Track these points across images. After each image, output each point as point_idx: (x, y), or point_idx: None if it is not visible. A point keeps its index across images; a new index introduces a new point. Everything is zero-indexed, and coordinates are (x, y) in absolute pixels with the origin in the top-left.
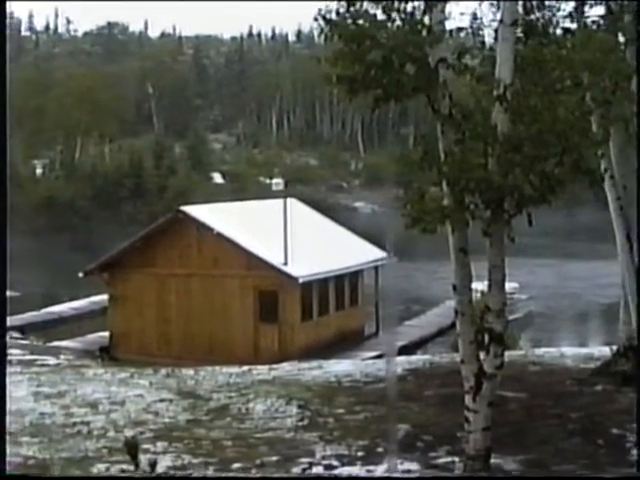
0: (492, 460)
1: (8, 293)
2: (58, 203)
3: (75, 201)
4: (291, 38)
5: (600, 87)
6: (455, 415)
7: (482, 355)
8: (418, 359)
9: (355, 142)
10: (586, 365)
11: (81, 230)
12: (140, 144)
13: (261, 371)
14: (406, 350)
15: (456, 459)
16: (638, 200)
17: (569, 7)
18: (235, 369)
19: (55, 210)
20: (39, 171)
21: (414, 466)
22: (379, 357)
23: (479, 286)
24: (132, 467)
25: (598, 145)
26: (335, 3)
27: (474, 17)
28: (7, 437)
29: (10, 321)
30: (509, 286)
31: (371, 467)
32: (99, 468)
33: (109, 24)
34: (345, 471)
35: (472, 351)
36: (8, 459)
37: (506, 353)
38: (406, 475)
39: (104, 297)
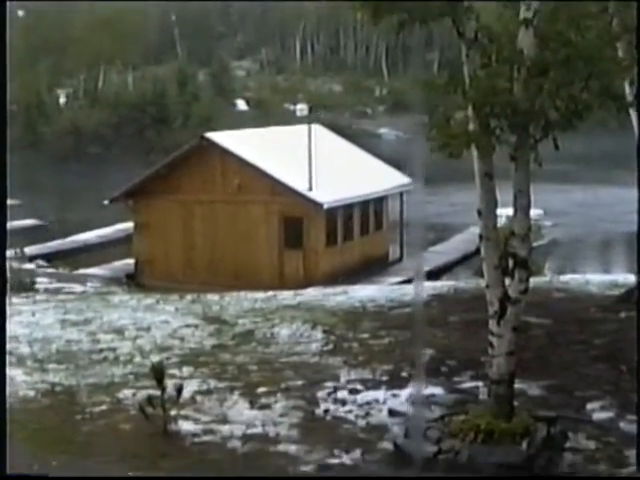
0: (516, 385)
1: (34, 221)
2: (82, 131)
3: (99, 129)
4: None
5: (627, 12)
6: (479, 340)
7: (507, 281)
8: (443, 285)
9: (379, 68)
10: (611, 292)
11: (105, 158)
12: (163, 72)
13: (286, 296)
14: (431, 276)
15: (480, 384)
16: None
17: None
18: (260, 294)
19: (79, 138)
20: (63, 100)
21: (438, 390)
22: (404, 282)
23: (504, 212)
24: (158, 392)
25: (625, 71)
26: None
27: None
28: (35, 364)
29: (36, 249)
30: (534, 212)
31: (396, 391)
32: (125, 394)
33: None
34: (370, 395)
35: (497, 276)
36: (37, 386)
37: (531, 279)
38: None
39: (130, 224)
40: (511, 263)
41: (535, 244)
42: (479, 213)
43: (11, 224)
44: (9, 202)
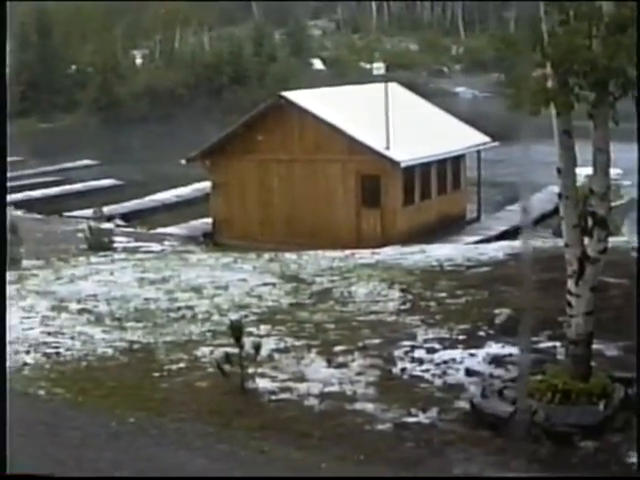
0: (593, 345)
1: (111, 181)
2: (158, 92)
3: (175, 90)
4: None
5: None
6: (557, 300)
7: (586, 240)
8: (521, 244)
9: (456, 26)
10: None
11: (181, 118)
12: (239, 32)
13: (363, 255)
14: (508, 235)
15: (557, 344)
16: None
17: None
18: (337, 253)
19: (156, 99)
20: (139, 61)
21: (515, 350)
22: (481, 242)
23: (583, 171)
24: (236, 350)
25: None
26: None
27: None
28: (113, 323)
29: (114, 209)
30: (613, 172)
31: (472, 351)
32: (203, 351)
33: None
34: (447, 354)
35: (576, 235)
36: (115, 344)
37: (609, 239)
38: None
39: (207, 184)
40: (590, 222)
41: (614, 203)
42: (558, 171)
43: (89, 184)
44: (87, 162)
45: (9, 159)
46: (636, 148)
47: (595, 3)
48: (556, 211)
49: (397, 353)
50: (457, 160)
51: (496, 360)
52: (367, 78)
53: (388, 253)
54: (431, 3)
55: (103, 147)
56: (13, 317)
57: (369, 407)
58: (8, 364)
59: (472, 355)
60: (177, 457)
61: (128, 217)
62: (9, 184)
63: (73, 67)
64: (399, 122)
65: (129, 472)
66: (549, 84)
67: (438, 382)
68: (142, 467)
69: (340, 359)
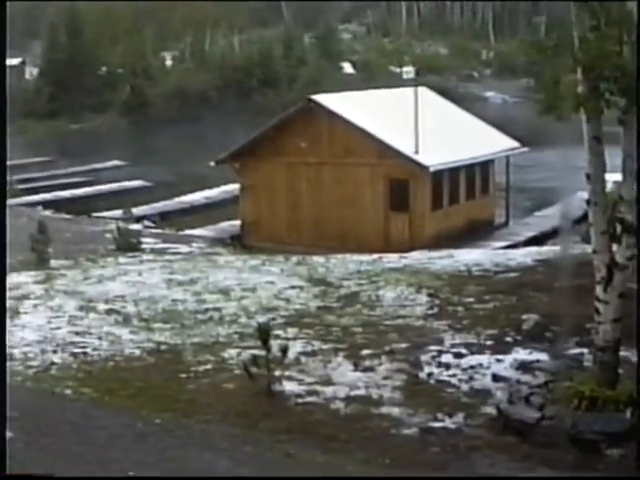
0: (621, 352)
1: (140, 182)
2: (188, 94)
3: (205, 91)
4: None
5: None
6: (584, 307)
7: (614, 247)
8: (549, 250)
9: (486, 31)
10: None
11: (212, 120)
12: (269, 35)
13: (391, 259)
14: (536, 241)
15: (585, 350)
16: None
17: None
18: (365, 257)
19: (185, 100)
20: (169, 63)
21: (543, 356)
22: (509, 247)
23: (612, 177)
24: (263, 352)
25: None
26: None
27: None
28: (141, 323)
29: (143, 210)
30: None
31: (500, 356)
32: (230, 353)
33: None
34: (474, 359)
35: (604, 241)
36: (142, 345)
37: None
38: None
39: (235, 186)
40: (619, 228)
41: None
42: (587, 177)
43: (118, 185)
44: (116, 163)
45: (39, 159)
46: None
47: (626, 9)
48: (585, 217)
49: (424, 358)
50: (486, 165)
51: (523, 366)
52: (397, 82)
53: (416, 257)
54: (461, 7)
55: (132, 148)
56: (41, 316)
57: (395, 411)
58: (36, 363)
59: (499, 361)
60: (203, 458)
61: (156, 218)
62: (39, 184)
63: (103, 68)
64: (428, 126)
65: (154, 472)
66: (579, 89)
67: (465, 387)
68: (167, 468)
69: (367, 363)
